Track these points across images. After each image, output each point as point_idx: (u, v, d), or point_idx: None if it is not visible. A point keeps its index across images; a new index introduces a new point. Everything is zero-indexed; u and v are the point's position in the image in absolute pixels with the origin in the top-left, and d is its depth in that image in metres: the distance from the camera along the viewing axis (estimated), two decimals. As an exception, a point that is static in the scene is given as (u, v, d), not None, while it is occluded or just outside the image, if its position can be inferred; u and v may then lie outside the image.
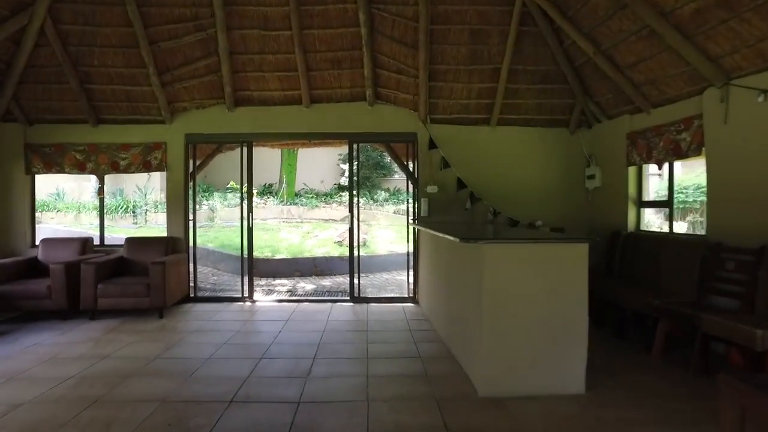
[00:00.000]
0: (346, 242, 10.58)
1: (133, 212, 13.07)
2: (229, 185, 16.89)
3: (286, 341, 5.10)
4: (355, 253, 7.44)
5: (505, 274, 3.67)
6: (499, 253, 3.69)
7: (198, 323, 5.88)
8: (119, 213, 13.08)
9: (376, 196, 18.38)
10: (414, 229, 7.36)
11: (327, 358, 4.57)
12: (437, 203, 7.24)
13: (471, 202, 7.18)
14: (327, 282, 8.93)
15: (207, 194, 17.15)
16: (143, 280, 6.11)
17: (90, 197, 14.23)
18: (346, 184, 20.02)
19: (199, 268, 9.49)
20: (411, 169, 7.46)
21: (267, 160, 21.09)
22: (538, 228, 7.09)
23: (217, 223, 13.59)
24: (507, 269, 3.68)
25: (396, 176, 23.23)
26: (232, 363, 4.38)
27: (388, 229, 13.13)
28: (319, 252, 10.04)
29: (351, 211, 7.47)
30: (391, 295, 7.86)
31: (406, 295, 7.49)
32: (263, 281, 8.93)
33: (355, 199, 7.65)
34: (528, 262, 3.70)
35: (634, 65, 5.52)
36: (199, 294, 7.48)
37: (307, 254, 9.71)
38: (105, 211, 7.99)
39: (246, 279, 7.29)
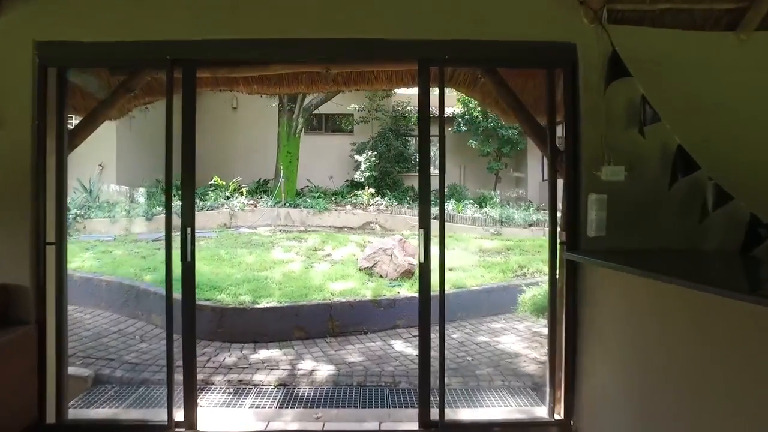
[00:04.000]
0: (382, 270, 6.38)
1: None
2: (212, 181, 12.69)
3: None
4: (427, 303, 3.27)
5: None
6: None
7: None
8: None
9: (399, 194, 14.21)
10: (569, 263, 3.25)
11: None
12: (619, 205, 3.13)
13: (712, 203, 3.01)
14: (354, 355, 4.79)
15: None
16: None
17: None
18: (362, 179, 15.87)
19: (127, 324, 5.34)
20: (552, 130, 3.37)
21: (259, 144, 16.96)
22: None
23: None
24: None
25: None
26: None
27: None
28: (337, 288, 5.87)
29: (423, 218, 3.32)
30: (510, 416, 3.69)
31: (547, 417, 3.33)
32: (234, 352, 4.77)
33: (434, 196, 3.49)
34: None
35: None
36: (72, 414, 3.30)
37: (316, 296, 5.52)
38: None
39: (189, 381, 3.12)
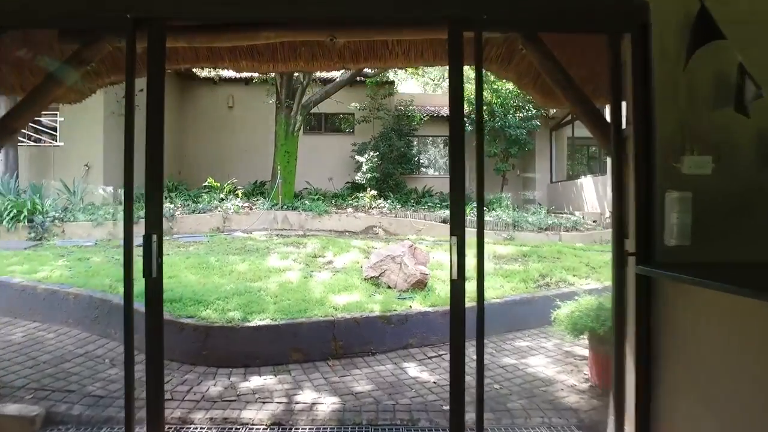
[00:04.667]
0: (390, 280, 5.68)
1: (30, 221, 8.17)
2: (206, 183, 12.01)
3: None
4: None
5: None
6: None
7: None
8: (6, 222, 8.16)
9: (401, 197, 13.51)
10: (641, 278, 2.54)
11: None
12: (704, 205, 2.44)
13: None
14: (362, 383, 4.09)
15: (177, 193, 12.32)
16: None
17: None
18: (363, 181, 15.16)
19: (97, 345, 4.64)
20: (617, 112, 2.66)
21: (257, 145, 16.24)
22: None
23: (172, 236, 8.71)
24: None
25: (428, 172, 18.39)
26: None
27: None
28: (341, 301, 5.15)
29: (457, 222, 2.60)
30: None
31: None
32: (221, 380, 4.06)
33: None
34: None
35: None
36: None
37: (317, 311, 4.80)
38: None
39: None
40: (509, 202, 11.88)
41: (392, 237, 9.91)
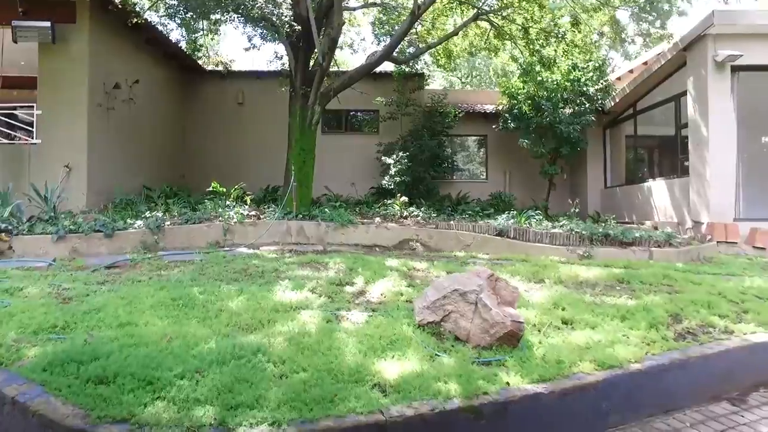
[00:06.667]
0: (460, 329, 3.64)
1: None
2: (210, 188, 10.05)
3: None
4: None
5: None
6: None
7: None
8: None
9: (434, 204, 11.45)
10: None
11: None
12: None
13: None
14: None
15: (176, 199, 10.46)
16: None
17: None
18: (391, 185, 13.13)
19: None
20: None
21: (270, 145, 14.26)
22: None
23: (145, 255, 6.78)
24: None
25: (462, 176, 16.31)
26: None
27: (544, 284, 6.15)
28: (390, 372, 3.10)
29: None
30: None
31: None
32: None
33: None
34: None
35: None
36: None
37: (351, 399, 2.77)
38: None
39: None
40: (576, 209, 9.73)
41: (435, 254, 7.86)
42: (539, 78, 13.36)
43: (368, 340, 3.62)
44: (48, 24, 9.43)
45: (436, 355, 3.50)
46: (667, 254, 7.53)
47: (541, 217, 9.54)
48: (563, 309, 4.62)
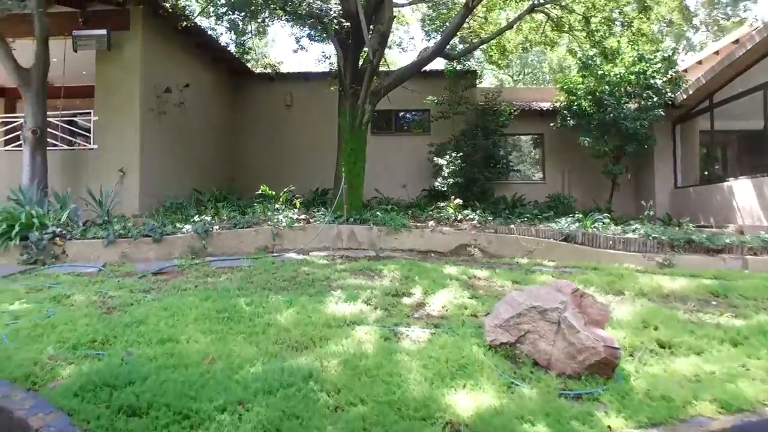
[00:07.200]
0: (539, 353, 3.09)
1: (24, 239, 6.28)
2: (259, 191, 9.86)
3: None
4: None
5: None
6: None
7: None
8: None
9: (488, 206, 10.81)
10: None
11: None
12: None
13: None
14: None
15: (226, 203, 10.35)
16: None
17: None
18: (444, 187, 12.59)
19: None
20: None
21: (316, 144, 14.07)
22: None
23: (199, 260, 6.56)
24: None
25: (517, 177, 15.49)
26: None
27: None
28: (461, 406, 2.62)
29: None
30: None
31: None
32: None
33: None
34: None
35: None
36: None
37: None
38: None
39: None
40: (651, 212, 8.88)
41: (495, 260, 7.29)
42: (600, 72, 12.48)
43: (434, 364, 3.15)
44: (104, 32, 9.59)
45: (513, 383, 2.99)
46: (765, 263, 6.63)
47: (608, 221, 8.75)
48: (656, 328, 3.98)
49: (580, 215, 9.12)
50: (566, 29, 12.88)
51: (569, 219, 8.90)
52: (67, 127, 10.19)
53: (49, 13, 8.98)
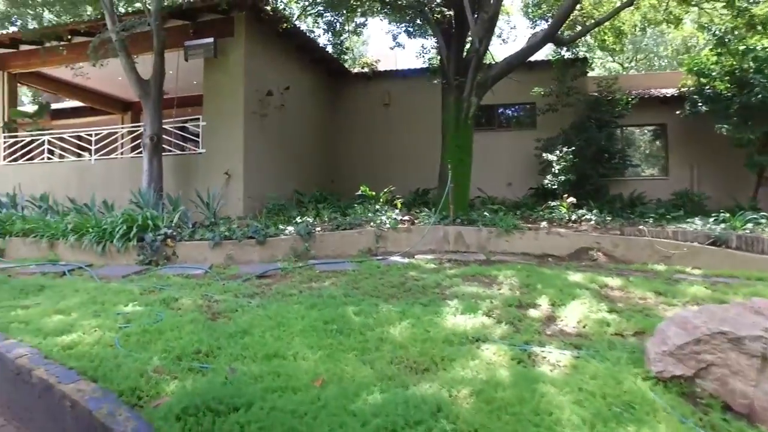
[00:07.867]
0: (725, 391, 2.26)
1: (140, 240, 6.45)
2: (359, 192, 9.65)
3: None
4: None
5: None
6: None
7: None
8: (116, 240, 6.51)
9: (603, 205, 9.64)
10: None
11: None
12: None
13: None
14: None
15: (326, 204, 10.28)
16: None
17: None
18: (554, 185, 11.56)
19: None
20: None
21: (415, 144, 13.62)
22: None
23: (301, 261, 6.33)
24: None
25: (634, 173, 13.98)
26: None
27: None
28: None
29: None
30: None
31: None
32: None
33: None
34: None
35: None
36: None
37: None
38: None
39: None
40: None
41: (623, 266, 6.34)
42: (742, 47, 10.76)
43: (589, 401, 2.50)
44: (211, 40, 9.95)
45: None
46: None
47: (766, 221, 7.35)
48: None
49: (725, 215, 7.78)
50: (694, 2, 11.31)
51: (709, 219, 7.63)
52: (179, 133, 10.67)
53: (165, 27, 9.42)
